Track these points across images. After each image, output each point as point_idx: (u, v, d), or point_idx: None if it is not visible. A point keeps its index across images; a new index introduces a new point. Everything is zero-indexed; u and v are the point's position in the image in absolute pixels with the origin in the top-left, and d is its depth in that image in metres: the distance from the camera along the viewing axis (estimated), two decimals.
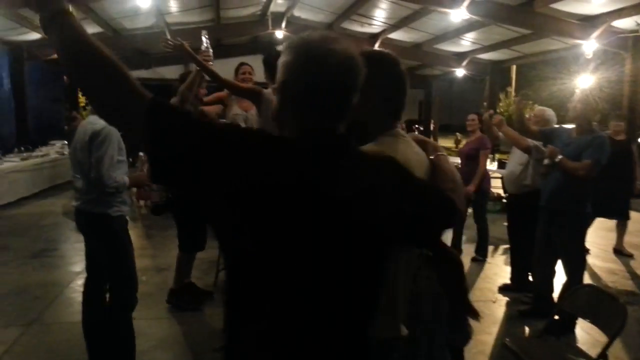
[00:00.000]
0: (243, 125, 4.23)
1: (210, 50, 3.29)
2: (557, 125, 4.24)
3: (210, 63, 3.30)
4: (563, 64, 13.53)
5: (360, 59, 1.15)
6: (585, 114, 3.68)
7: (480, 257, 5.66)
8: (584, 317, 2.74)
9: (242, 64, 4.59)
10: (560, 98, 11.85)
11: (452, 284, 1.95)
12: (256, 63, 4.35)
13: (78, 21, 1.08)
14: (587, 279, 3.89)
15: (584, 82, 11.08)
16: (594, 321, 2.64)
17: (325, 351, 1.14)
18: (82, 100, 16.22)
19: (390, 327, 1.49)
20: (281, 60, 1.15)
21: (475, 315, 1.98)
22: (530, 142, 4.04)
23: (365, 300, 1.19)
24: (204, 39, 3.27)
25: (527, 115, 4.33)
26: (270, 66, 3.55)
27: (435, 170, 1.39)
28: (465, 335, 2.09)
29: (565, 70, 13.02)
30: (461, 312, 1.99)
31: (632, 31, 9.55)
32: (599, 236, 6.50)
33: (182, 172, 1.05)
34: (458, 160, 6.08)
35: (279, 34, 13.30)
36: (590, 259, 3.91)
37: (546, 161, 3.79)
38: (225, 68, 4.45)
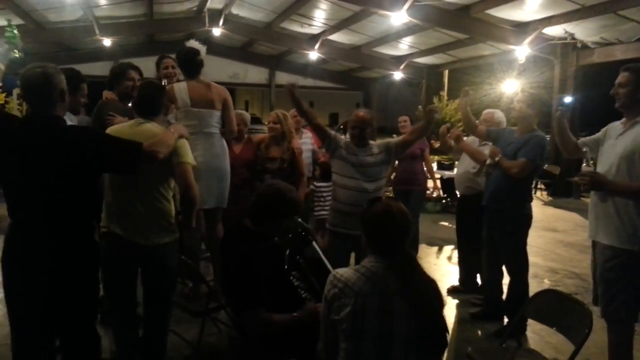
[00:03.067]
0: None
1: None
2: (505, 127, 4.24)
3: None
4: (492, 70, 14.04)
5: (52, 78, 2.19)
6: (526, 115, 3.69)
7: None
8: (549, 325, 2.67)
9: (162, 57, 4.42)
10: (487, 103, 12.27)
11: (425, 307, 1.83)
12: None
13: None
14: (529, 279, 3.88)
15: (513, 86, 11.48)
16: (559, 328, 2.57)
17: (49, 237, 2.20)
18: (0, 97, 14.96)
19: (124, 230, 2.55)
20: None
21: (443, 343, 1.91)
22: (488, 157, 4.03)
23: (73, 207, 2.24)
24: None
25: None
26: (180, 61, 3.93)
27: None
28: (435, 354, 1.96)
29: (493, 75, 13.51)
30: (432, 332, 1.85)
31: (560, 38, 10.00)
32: (538, 235, 6.68)
33: None
34: None
35: (217, 31, 12.93)
36: (532, 258, 3.93)
37: (489, 161, 3.79)
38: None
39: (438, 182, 6.32)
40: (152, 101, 2.71)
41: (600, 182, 2.69)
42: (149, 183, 2.58)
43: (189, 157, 2.65)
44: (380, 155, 3.59)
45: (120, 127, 2.70)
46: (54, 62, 2.32)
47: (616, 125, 2.88)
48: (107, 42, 13.00)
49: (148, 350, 2.77)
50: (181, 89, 3.78)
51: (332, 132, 3.73)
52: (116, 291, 2.69)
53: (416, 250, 5.76)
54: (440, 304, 1.92)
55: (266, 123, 4.86)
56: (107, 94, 3.67)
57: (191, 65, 3.85)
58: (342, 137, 3.80)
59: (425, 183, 5.81)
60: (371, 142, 3.64)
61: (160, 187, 2.61)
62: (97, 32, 12.17)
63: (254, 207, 2.52)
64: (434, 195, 8.39)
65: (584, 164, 2.76)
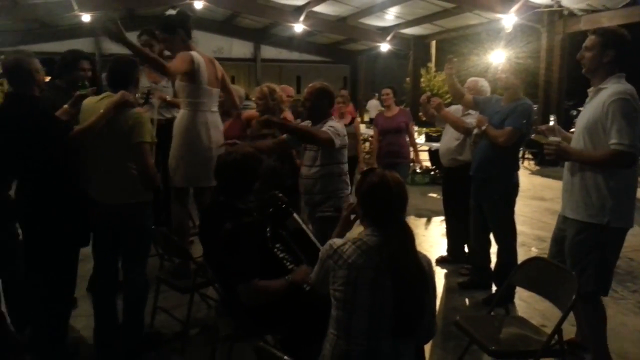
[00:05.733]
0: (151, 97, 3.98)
1: None
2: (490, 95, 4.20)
3: None
4: (479, 40, 13.90)
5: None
6: (512, 83, 3.65)
7: None
8: (537, 292, 2.68)
9: (141, 32, 4.28)
10: (476, 73, 12.23)
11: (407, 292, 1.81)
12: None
13: None
14: (517, 247, 3.90)
15: (501, 56, 11.40)
16: (546, 295, 2.58)
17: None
18: None
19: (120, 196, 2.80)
20: None
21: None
22: (469, 124, 4.00)
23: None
24: None
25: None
26: (177, 23, 3.61)
27: None
28: (429, 333, 1.94)
29: (481, 46, 13.38)
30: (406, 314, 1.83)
31: (547, 6, 9.90)
32: (525, 204, 6.72)
33: None
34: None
35: (198, 4, 12.59)
36: (519, 226, 3.93)
37: (476, 130, 3.77)
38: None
39: (421, 155, 6.44)
40: (122, 75, 2.86)
41: (566, 151, 2.63)
42: (112, 154, 2.79)
43: (147, 134, 2.76)
44: None
45: (89, 100, 2.90)
46: (30, 40, 2.39)
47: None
48: (86, 17, 12.62)
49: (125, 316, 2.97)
50: (199, 62, 3.53)
51: None
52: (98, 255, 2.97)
53: None
54: (423, 286, 1.86)
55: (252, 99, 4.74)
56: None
57: (188, 26, 3.63)
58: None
59: (410, 156, 5.79)
60: (330, 121, 3.31)
61: (124, 158, 2.78)
62: (75, 7, 11.80)
63: (223, 181, 2.49)
64: (417, 170, 8.48)
65: (551, 135, 2.69)
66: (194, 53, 3.53)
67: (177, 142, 3.66)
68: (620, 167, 2.58)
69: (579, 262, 2.69)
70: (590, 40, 2.67)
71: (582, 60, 2.70)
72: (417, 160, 6.24)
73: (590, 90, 2.74)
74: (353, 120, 6.11)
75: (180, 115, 3.70)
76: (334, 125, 3.24)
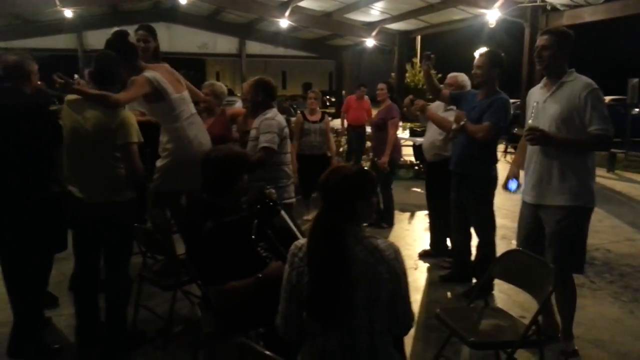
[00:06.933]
0: None
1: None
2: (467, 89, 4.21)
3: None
4: (463, 36, 14.00)
5: None
6: (490, 76, 3.63)
7: (386, 225, 5.69)
8: (515, 284, 2.73)
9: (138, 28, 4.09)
10: (458, 69, 12.29)
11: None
12: (158, 31, 3.86)
13: None
14: (497, 240, 3.96)
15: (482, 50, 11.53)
16: (525, 287, 2.63)
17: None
18: None
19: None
20: None
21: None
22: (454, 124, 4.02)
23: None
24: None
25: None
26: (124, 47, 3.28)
27: None
28: (404, 325, 1.93)
29: (466, 41, 13.47)
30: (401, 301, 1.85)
31: (530, 1, 9.98)
32: (507, 198, 6.74)
33: None
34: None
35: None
36: (501, 220, 3.99)
37: (454, 125, 3.77)
38: None
39: (404, 151, 6.22)
40: (108, 74, 2.83)
41: (549, 136, 2.78)
42: (98, 154, 2.77)
43: (134, 135, 2.74)
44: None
45: (69, 111, 2.82)
46: (12, 35, 2.26)
47: (536, 91, 3.02)
48: (68, 12, 12.46)
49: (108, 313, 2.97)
50: (158, 79, 3.38)
51: None
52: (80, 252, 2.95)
53: (391, 219, 5.80)
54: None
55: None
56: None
57: (132, 48, 3.37)
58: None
59: (395, 153, 5.60)
60: (264, 115, 3.44)
61: (111, 158, 2.78)
62: (57, 2, 11.65)
63: (205, 178, 2.49)
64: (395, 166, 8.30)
65: (530, 120, 2.87)
66: (147, 74, 3.34)
67: (167, 153, 3.57)
68: (604, 149, 2.87)
69: (566, 245, 2.85)
70: (546, 40, 2.84)
71: (539, 59, 2.89)
72: (384, 158, 5.41)
73: (545, 86, 2.94)
74: (323, 116, 6.07)
75: (164, 130, 3.61)
76: (268, 122, 3.38)
